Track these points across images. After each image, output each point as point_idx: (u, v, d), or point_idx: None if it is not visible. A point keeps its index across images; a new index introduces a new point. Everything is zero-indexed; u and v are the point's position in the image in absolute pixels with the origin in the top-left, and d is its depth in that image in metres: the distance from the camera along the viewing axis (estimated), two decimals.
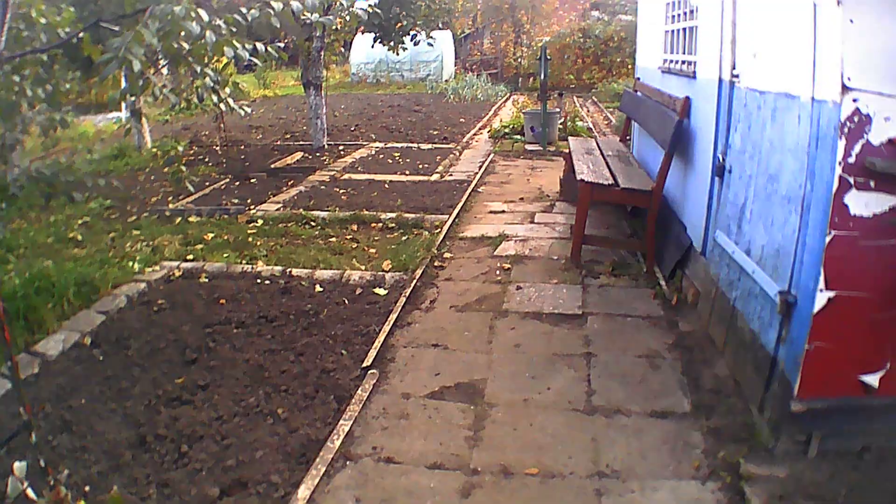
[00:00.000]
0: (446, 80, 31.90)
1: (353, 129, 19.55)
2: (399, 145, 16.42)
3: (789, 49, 4.59)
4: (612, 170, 8.29)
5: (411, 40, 15.91)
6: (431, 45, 16.27)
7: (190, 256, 8.50)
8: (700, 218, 6.71)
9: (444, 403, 5.15)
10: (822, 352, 4.12)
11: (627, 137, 11.00)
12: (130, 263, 8.08)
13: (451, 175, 12.88)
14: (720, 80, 6.17)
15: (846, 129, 3.81)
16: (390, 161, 14.39)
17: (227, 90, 6.07)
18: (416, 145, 16.39)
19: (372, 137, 17.83)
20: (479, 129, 19.00)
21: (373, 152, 15.54)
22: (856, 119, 3.79)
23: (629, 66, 28.89)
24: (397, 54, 16.42)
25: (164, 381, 5.53)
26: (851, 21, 3.78)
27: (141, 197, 12.10)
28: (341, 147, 16.36)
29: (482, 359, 5.80)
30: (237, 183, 12.72)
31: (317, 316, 6.62)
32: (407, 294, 6.96)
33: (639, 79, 10.47)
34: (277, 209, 10.53)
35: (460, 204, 10.26)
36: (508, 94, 28.30)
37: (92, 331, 6.44)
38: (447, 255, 8.25)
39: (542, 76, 15.00)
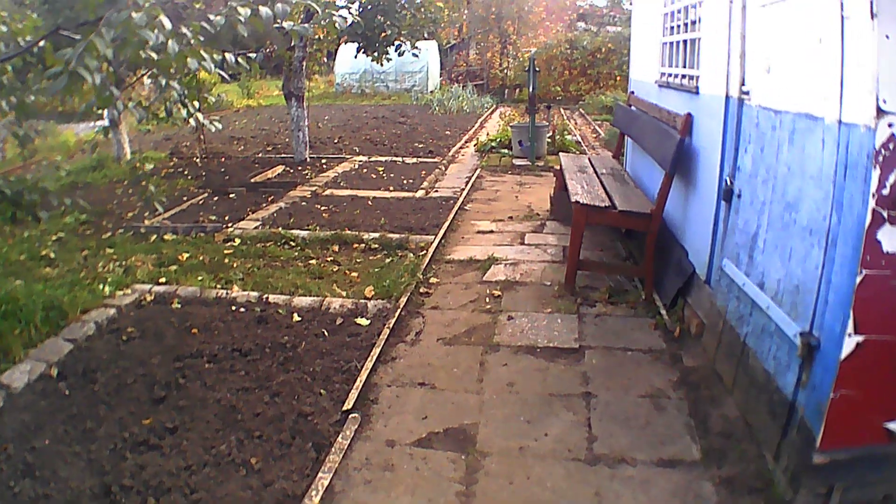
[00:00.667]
0: (431, 91, 31.52)
1: (336, 141, 19.15)
2: (383, 159, 16.01)
3: (811, 65, 4.17)
4: (608, 190, 7.88)
5: (395, 51, 15.43)
6: (417, 56, 15.80)
7: (163, 279, 8.05)
8: (704, 244, 6.30)
9: (432, 452, 4.71)
10: (849, 400, 3.73)
11: (621, 154, 10.59)
12: (101, 286, 7.65)
13: (436, 191, 12.46)
14: (727, 97, 5.77)
15: (881, 158, 3.41)
16: (374, 176, 13.96)
17: (196, 103, 5.59)
18: (400, 159, 15.98)
19: (356, 150, 17.42)
20: (466, 142, 18.61)
21: (356, 166, 15.11)
22: (891, 146, 3.39)
23: (617, 78, 28.65)
24: (381, 65, 15.94)
25: (130, 422, 5.09)
26: (887, 37, 3.38)
27: (117, 212, 11.69)
28: (324, 160, 15.93)
29: (473, 400, 5.35)
30: (216, 198, 12.29)
31: (294, 349, 6.17)
32: (391, 325, 6.50)
33: (633, 93, 10.08)
34: (256, 227, 10.10)
35: (447, 223, 9.84)
36: (495, 106, 27.94)
37: (59, 361, 6.01)
38: (433, 280, 7.81)
39: (531, 88, 14.60)
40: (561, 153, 11.11)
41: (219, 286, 7.83)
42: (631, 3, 13.68)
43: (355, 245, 9.18)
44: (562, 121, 20.90)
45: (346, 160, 15.92)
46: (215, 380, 5.69)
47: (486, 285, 7.62)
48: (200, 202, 12.07)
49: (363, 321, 6.71)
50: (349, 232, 9.56)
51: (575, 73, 30.51)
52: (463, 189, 12.44)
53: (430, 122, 23.11)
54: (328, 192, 12.43)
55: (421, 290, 7.47)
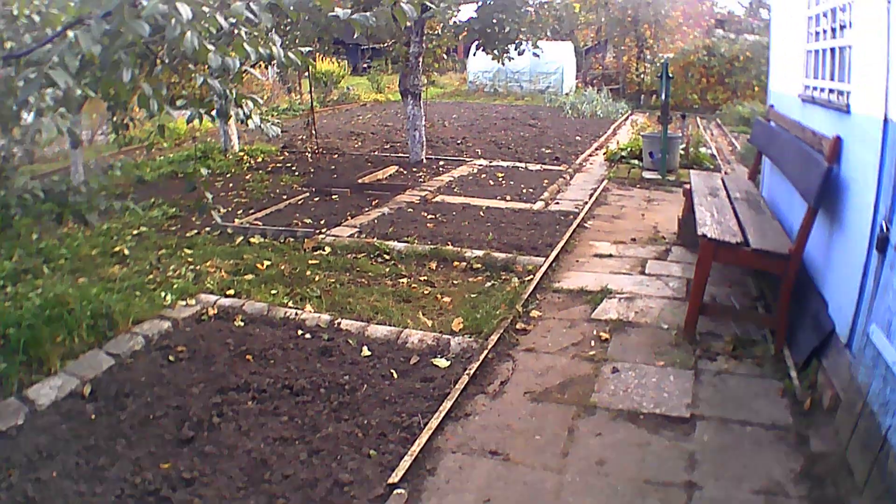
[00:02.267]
0: (566, 94, 30.27)
1: (458, 141, 18.15)
2: (505, 164, 14.90)
3: None
4: (741, 220, 6.59)
5: (515, 49, 14.25)
6: (538, 56, 14.53)
7: (232, 291, 7.32)
8: (848, 298, 5.01)
9: None
10: None
11: (757, 174, 9.24)
12: (164, 294, 7.02)
13: (557, 204, 11.32)
14: (886, 121, 4.51)
15: None
16: (492, 182, 12.89)
17: (249, 104, 4.66)
18: (523, 165, 14.83)
19: (477, 153, 16.37)
20: (595, 149, 17.31)
21: (474, 171, 14.07)
22: None
23: (755, 88, 26.84)
24: (503, 64, 14.81)
25: (147, 465, 4.36)
26: None
27: (210, 207, 10.91)
28: (441, 162, 14.96)
29: (551, 481, 4.21)
30: (317, 199, 11.49)
31: (353, 393, 5.18)
32: (472, 371, 5.41)
33: (772, 107, 8.73)
34: (351, 235, 9.21)
35: (561, 243, 8.66)
36: (629, 112, 26.47)
37: (95, 378, 5.43)
38: (535, 313, 6.67)
39: (664, 96, 13.25)
40: (692, 171, 9.76)
41: (291, 303, 7.01)
42: (769, 10, 12.23)
43: (455, 263, 8.14)
44: (697, 131, 19.32)
45: (465, 163, 14.91)
46: (253, 423, 4.82)
47: (593, 324, 6.43)
48: (300, 202, 11.28)
49: (442, 362, 5.65)
50: (451, 247, 8.53)
51: (712, 80, 28.71)
52: (586, 203, 11.26)
53: (560, 125, 21.86)
54: (438, 198, 11.44)
55: (517, 326, 6.34)
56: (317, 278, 7.73)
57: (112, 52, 3.61)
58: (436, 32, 15.24)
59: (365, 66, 40.86)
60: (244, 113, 4.73)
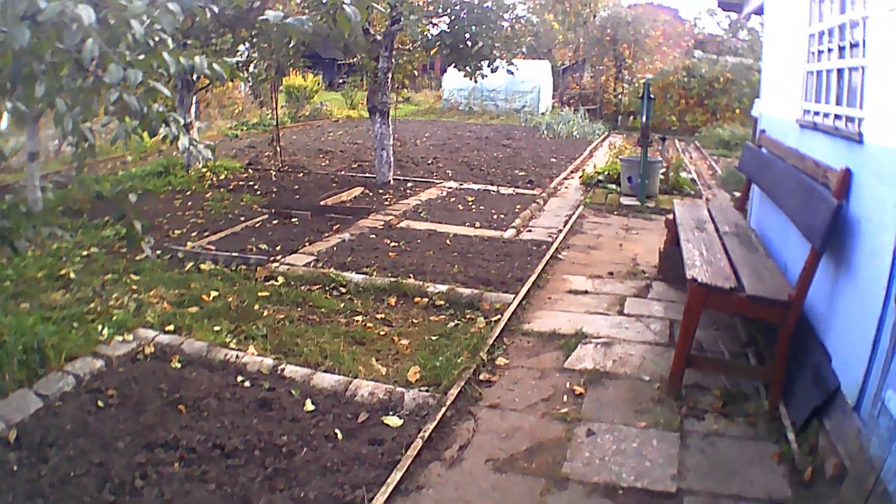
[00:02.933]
0: (542, 113, 29.82)
1: (429, 162, 17.57)
2: (476, 187, 14.29)
3: None
4: (732, 259, 5.99)
5: (488, 66, 13.59)
6: (512, 73, 13.88)
7: (171, 326, 6.66)
8: (858, 354, 4.42)
9: None
10: None
11: (746, 203, 8.70)
12: (102, 327, 6.37)
13: (529, 231, 10.74)
14: None
15: None
16: (461, 207, 12.28)
17: (180, 120, 4.04)
18: (495, 188, 14.23)
19: (448, 174, 15.78)
20: (571, 172, 16.77)
21: (444, 194, 13.46)
22: None
23: (736, 111, 26.56)
24: (475, 81, 14.16)
25: None
26: None
27: (165, 227, 10.46)
28: (409, 184, 14.34)
29: None
30: (275, 221, 10.85)
31: (291, 457, 4.53)
32: (427, 433, 4.76)
33: (764, 132, 8.20)
34: (307, 264, 8.59)
35: (533, 277, 8.06)
36: (607, 133, 26.04)
37: (21, 422, 4.85)
38: (501, 360, 6.03)
39: (644, 118, 12.72)
40: (675, 201, 9.12)
41: (234, 342, 6.38)
42: (761, 25, 11.64)
43: (417, 299, 7.51)
44: (677, 155, 18.84)
45: (434, 185, 14.31)
46: (177, 490, 4.20)
47: (566, 375, 5.78)
48: (258, 225, 10.64)
49: (394, 421, 5.00)
50: (412, 281, 7.90)
51: (692, 102, 28.36)
52: (560, 231, 10.69)
53: (536, 146, 21.33)
54: (404, 223, 10.82)
55: (481, 377, 5.69)
56: (265, 313, 7.10)
57: (23, 63, 3.26)
58: (407, 48, 14.63)
59: (341, 81, 40.33)
60: (172, 133, 4.12)
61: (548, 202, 13.22)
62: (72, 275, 8.00)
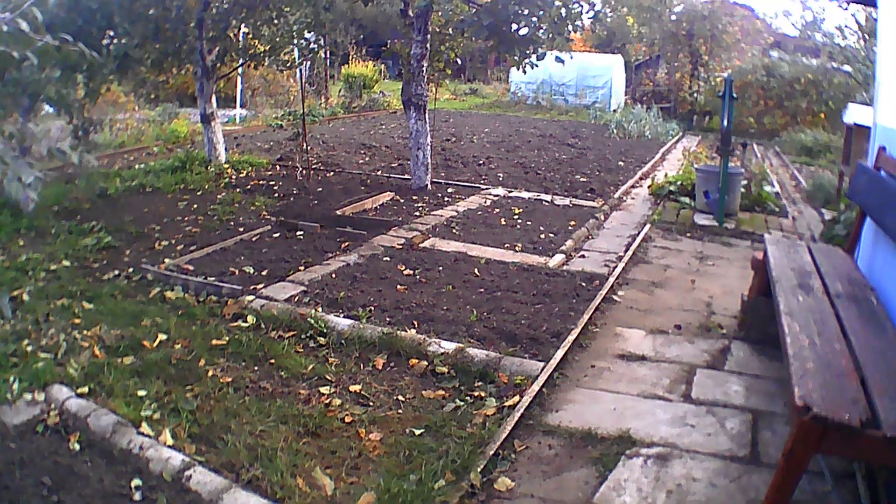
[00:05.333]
0: (613, 110, 27.73)
1: (480, 162, 15.67)
2: (527, 195, 12.34)
3: None
4: (855, 351, 3.91)
5: (533, 52, 11.42)
6: (562, 63, 11.67)
7: (91, 385, 5.18)
8: None
9: None
10: None
11: (857, 243, 6.60)
12: (12, 379, 5.12)
13: (582, 257, 8.83)
14: None
15: None
16: (504, 221, 10.38)
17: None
18: (549, 198, 12.23)
19: (498, 178, 13.87)
20: (639, 179, 14.69)
21: (487, 203, 11.57)
22: None
23: (815, 114, 24.28)
24: (524, 72, 12.12)
25: None
26: None
27: (155, 236, 9.02)
28: (449, 189, 12.46)
29: None
30: (276, 235, 9.15)
31: None
32: None
33: (883, 149, 6.14)
34: (289, 298, 6.85)
35: (576, 331, 6.13)
36: (681, 134, 23.83)
37: None
38: (503, 482, 4.07)
39: (725, 121, 10.55)
40: (767, 237, 6.86)
41: (156, 416, 4.80)
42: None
43: (412, 362, 5.64)
44: (760, 165, 16.56)
45: (478, 192, 12.42)
46: None
47: None
48: (254, 238, 8.95)
49: None
50: (413, 333, 6.03)
51: (771, 104, 25.92)
52: (620, 258, 8.76)
53: (603, 147, 19.25)
54: (429, 242, 9.00)
55: None
56: (209, 373, 5.41)
57: None
58: (447, 32, 12.72)
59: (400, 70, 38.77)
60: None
61: (609, 217, 11.24)
62: (25, 297, 6.88)
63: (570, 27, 10.93)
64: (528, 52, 11.01)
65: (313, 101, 26.12)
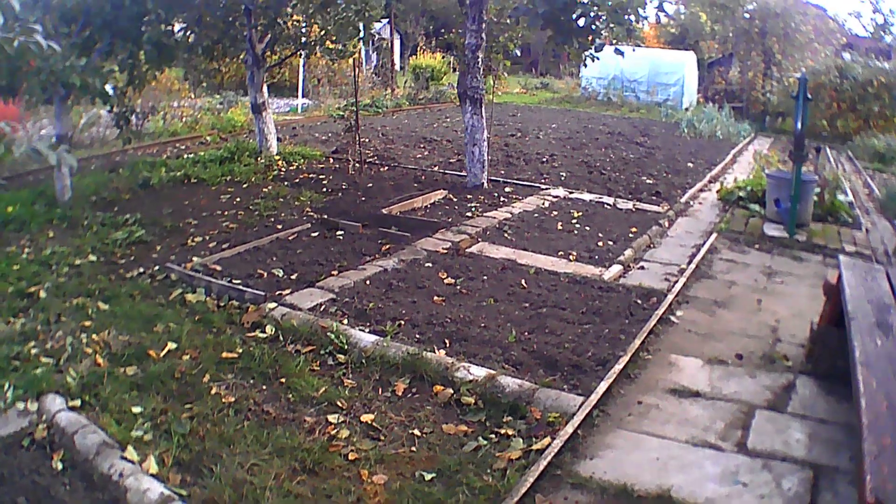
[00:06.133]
0: (685, 109, 26.80)
1: (544, 159, 14.98)
2: (588, 197, 11.65)
3: None
4: None
5: (592, 44, 10.62)
6: (621, 55, 10.85)
7: (86, 397, 4.81)
8: None
9: None
10: None
11: None
12: (7, 386, 4.83)
13: (641, 269, 8.18)
14: None
15: None
16: (561, 226, 9.72)
17: None
18: (612, 200, 11.51)
19: (560, 177, 13.19)
20: (708, 182, 13.84)
21: (545, 205, 10.92)
22: None
23: (887, 119, 23.20)
24: (585, 66, 11.42)
25: None
26: None
27: (190, 231, 8.60)
28: (507, 188, 11.84)
29: None
30: (315, 234, 8.66)
31: None
32: None
33: None
34: (314, 308, 6.34)
35: (625, 359, 5.49)
36: (753, 135, 22.81)
37: None
38: None
39: (799, 124, 9.65)
40: (842, 259, 6.13)
41: (142, 440, 4.36)
42: None
43: (437, 389, 5.06)
44: (833, 171, 15.48)
45: (537, 192, 11.77)
46: None
47: None
48: (291, 237, 8.49)
49: None
50: (442, 356, 5.45)
51: (843, 106, 24.73)
52: (683, 270, 8.08)
53: (673, 146, 18.37)
54: (476, 247, 8.42)
55: None
56: (212, 391, 4.95)
57: None
58: (504, 21, 12.06)
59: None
60: None
61: (674, 224, 10.52)
62: (42, 294, 6.62)
63: (633, 17, 10.19)
64: (586, 43, 10.29)
65: (379, 92, 25.73)
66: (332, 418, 4.63)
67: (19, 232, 8.50)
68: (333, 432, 4.48)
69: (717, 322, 6.67)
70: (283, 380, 5.10)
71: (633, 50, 10.95)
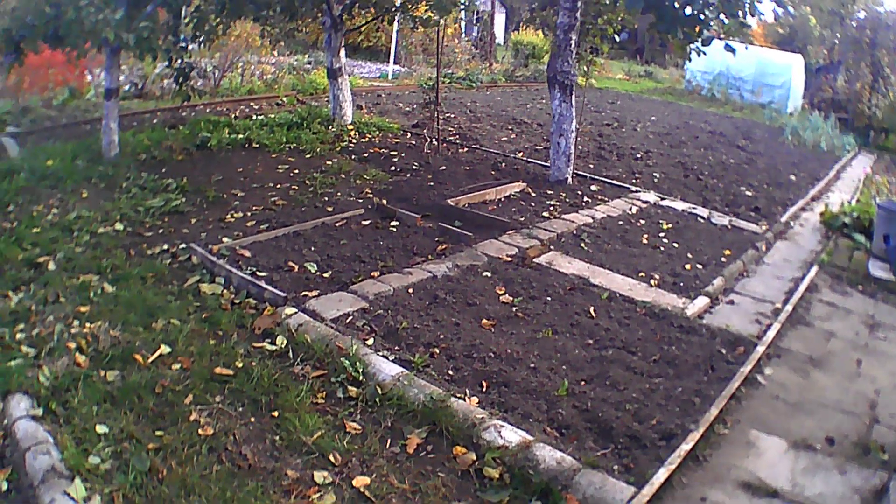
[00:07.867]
0: (790, 113, 25.24)
1: (638, 155, 13.82)
2: (680, 207, 10.48)
3: None
4: None
5: (698, 35, 9.39)
6: (732, 52, 9.59)
7: (44, 409, 4.14)
8: None
9: None
10: None
11: None
12: None
13: (730, 304, 7.09)
14: None
15: None
16: (646, 239, 8.66)
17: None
18: (706, 213, 10.30)
19: (653, 179, 12.02)
20: (811, 199, 12.49)
21: (632, 210, 9.83)
22: None
23: None
24: (689, 60, 10.26)
25: None
26: None
27: (232, 204, 7.90)
28: (592, 187, 10.77)
29: None
30: (366, 222, 7.80)
31: None
32: None
33: None
34: (339, 318, 5.48)
35: (696, 435, 4.43)
36: (857, 149, 21.23)
37: None
38: None
39: None
40: None
41: (97, 469, 3.71)
42: None
43: (457, 451, 4.11)
44: None
45: (625, 194, 10.68)
46: None
47: None
48: (339, 223, 7.68)
49: None
50: (469, 406, 4.48)
51: None
52: (777, 312, 6.95)
53: (775, 154, 16.89)
54: (546, 257, 7.43)
55: None
56: (191, 417, 4.18)
57: None
58: (603, 1, 10.95)
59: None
60: None
61: (771, 248, 9.32)
62: (51, 265, 6.13)
63: (747, 9, 8.97)
64: (692, 34, 9.14)
65: (475, 65, 24.82)
66: (318, 477, 3.75)
67: (53, 189, 7.94)
68: (315, 497, 3.60)
69: (810, 388, 5.59)
70: (275, 412, 4.26)
71: (746, 48, 9.77)
